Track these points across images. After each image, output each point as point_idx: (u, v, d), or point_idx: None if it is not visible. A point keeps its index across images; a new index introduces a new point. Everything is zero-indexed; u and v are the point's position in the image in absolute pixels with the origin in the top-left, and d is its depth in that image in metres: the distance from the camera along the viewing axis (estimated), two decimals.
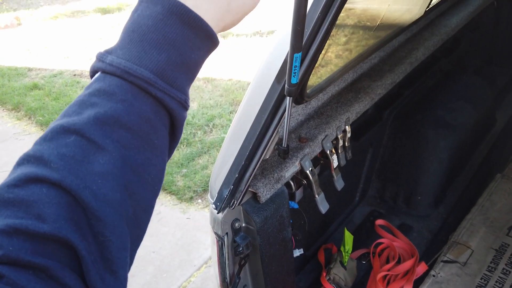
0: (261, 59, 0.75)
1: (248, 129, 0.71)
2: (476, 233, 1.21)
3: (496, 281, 1.07)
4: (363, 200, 1.42)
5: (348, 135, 1.05)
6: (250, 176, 0.74)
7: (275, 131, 0.71)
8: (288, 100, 0.66)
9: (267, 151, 0.73)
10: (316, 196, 0.96)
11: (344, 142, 1.05)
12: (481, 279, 1.08)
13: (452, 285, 1.08)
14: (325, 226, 1.28)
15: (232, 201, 0.76)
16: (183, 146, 2.69)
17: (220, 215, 0.78)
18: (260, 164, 0.77)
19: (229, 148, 0.74)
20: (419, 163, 1.35)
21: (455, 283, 1.09)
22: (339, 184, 1.05)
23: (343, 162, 1.06)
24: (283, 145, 0.75)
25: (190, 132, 2.80)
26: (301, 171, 0.93)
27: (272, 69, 0.70)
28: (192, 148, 2.66)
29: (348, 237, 1.14)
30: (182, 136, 3.05)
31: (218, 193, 0.75)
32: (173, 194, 2.38)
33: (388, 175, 1.41)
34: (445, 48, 1.53)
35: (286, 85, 0.63)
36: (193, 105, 3.16)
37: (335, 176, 1.03)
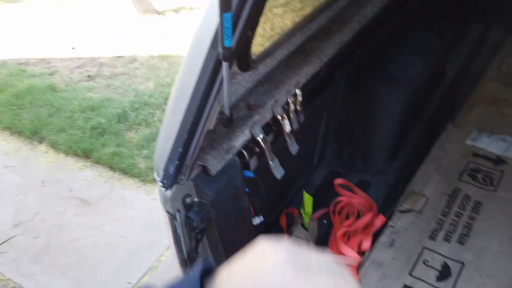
0: (196, 23, 0.71)
1: (187, 101, 0.68)
2: (430, 181, 1.25)
3: (450, 224, 1.12)
4: (322, 162, 1.44)
5: (299, 98, 1.03)
6: (195, 150, 0.71)
7: (216, 100, 0.68)
8: (224, 65, 0.63)
9: (210, 121, 0.70)
10: (270, 162, 0.95)
11: (295, 106, 1.03)
12: (436, 223, 1.13)
13: (409, 233, 1.12)
14: (285, 191, 1.28)
15: (180, 177, 0.74)
16: (142, 127, 2.61)
17: (169, 192, 0.75)
18: (206, 136, 0.75)
19: (170, 122, 0.71)
20: (373, 120, 1.36)
21: (412, 231, 1.13)
22: (294, 148, 1.05)
23: (296, 127, 1.05)
24: (226, 113, 0.72)
25: (149, 113, 2.72)
26: (253, 139, 0.92)
27: (206, 34, 0.66)
28: (151, 129, 2.59)
29: (307, 199, 1.15)
30: (140, 117, 2.94)
31: (163, 170, 0.72)
32: (135, 177, 2.32)
33: (344, 135, 1.42)
34: (394, 5, 1.53)
35: (219, 49, 0.60)
36: (149, 85, 3.06)
37: (288, 141, 1.02)
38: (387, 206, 1.24)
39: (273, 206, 1.25)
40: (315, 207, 1.28)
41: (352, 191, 1.31)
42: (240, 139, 0.85)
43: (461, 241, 1.08)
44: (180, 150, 0.70)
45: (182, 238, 0.85)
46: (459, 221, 1.13)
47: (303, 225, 1.15)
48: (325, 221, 1.24)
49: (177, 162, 0.71)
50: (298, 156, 1.15)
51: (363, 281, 1.03)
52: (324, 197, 1.32)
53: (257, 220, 1.09)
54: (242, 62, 0.77)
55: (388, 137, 1.36)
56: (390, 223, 1.16)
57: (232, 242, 0.94)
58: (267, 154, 0.93)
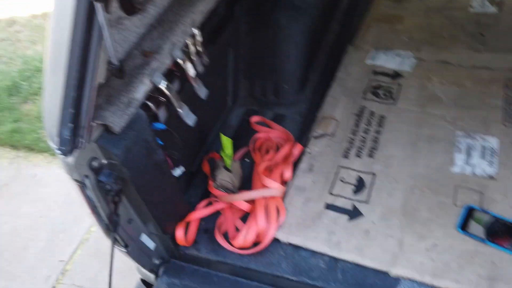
0: None
1: (66, 54, 0.60)
2: (338, 104, 1.31)
3: (360, 141, 1.20)
4: (236, 102, 1.43)
5: (199, 39, 0.98)
6: (88, 108, 0.65)
7: (99, 49, 0.61)
8: (98, 8, 0.56)
9: (98, 74, 0.64)
10: (179, 110, 0.91)
11: (196, 47, 0.98)
12: (348, 143, 1.20)
13: (325, 155, 1.18)
14: (204, 137, 1.26)
15: (78, 140, 0.67)
16: (39, 96, 2.36)
17: (71, 158, 0.69)
18: (99, 91, 0.68)
19: (52, 82, 0.63)
20: (279, 53, 1.36)
21: (327, 154, 1.19)
22: (202, 92, 1.01)
23: (200, 69, 1.01)
24: (114, 63, 0.66)
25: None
26: (156, 89, 0.86)
27: None
28: None
29: (226, 142, 1.15)
30: (35, 86, 2.66)
31: (58, 136, 0.65)
32: (43, 151, 2.14)
33: (254, 72, 1.41)
34: None
35: None
36: (37, 48, 2.73)
37: (195, 86, 0.99)
38: (302, 134, 1.29)
39: (193, 155, 1.23)
40: (236, 148, 1.28)
41: (269, 126, 1.33)
42: (140, 90, 0.80)
43: (371, 155, 1.16)
44: (71, 111, 0.63)
45: (98, 204, 0.80)
46: (367, 137, 1.21)
47: (226, 168, 1.15)
48: (247, 160, 1.25)
49: (70, 125, 0.64)
50: (210, 99, 1.13)
51: (289, 207, 1.08)
52: (243, 136, 1.33)
53: (178, 172, 1.07)
54: (125, 3, 0.70)
55: (295, 67, 1.38)
56: (307, 150, 1.21)
57: (154, 198, 0.92)
58: (174, 102, 0.89)
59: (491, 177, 1.05)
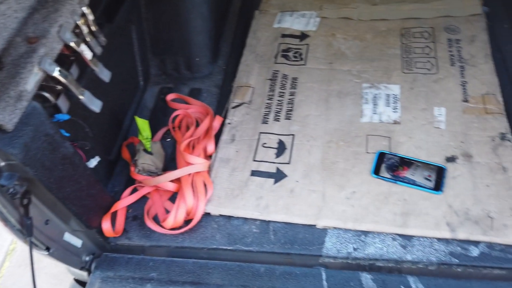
0: None
1: None
2: (252, 71, 1.32)
3: (276, 105, 1.22)
4: (149, 82, 1.37)
5: (90, 17, 0.91)
6: None
7: None
8: None
9: None
10: (80, 97, 0.85)
11: (89, 27, 0.91)
12: (265, 108, 1.22)
13: (245, 124, 1.19)
14: (119, 123, 1.20)
15: None
16: None
17: None
18: None
19: None
20: (185, 25, 1.32)
21: (247, 121, 1.20)
22: (105, 75, 0.95)
23: (98, 50, 0.95)
24: None
25: None
26: (51, 77, 0.79)
27: None
28: None
29: (142, 124, 1.11)
30: None
31: None
32: None
33: (163, 48, 1.36)
34: None
35: None
36: None
37: (96, 69, 0.92)
38: (221, 106, 1.28)
39: (110, 142, 1.17)
40: (155, 129, 1.25)
41: (186, 102, 1.30)
42: (30, 81, 0.73)
43: (288, 117, 1.19)
44: None
45: (4, 210, 0.74)
46: (283, 100, 1.23)
47: (146, 151, 1.11)
48: (168, 140, 1.22)
49: None
50: (118, 81, 1.07)
51: (216, 180, 1.09)
52: (161, 116, 1.29)
53: (93, 162, 1.02)
54: None
55: (204, 39, 1.35)
56: (227, 121, 1.21)
57: (70, 194, 0.86)
58: (73, 89, 0.83)
59: (396, 122, 1.13)
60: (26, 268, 1.92)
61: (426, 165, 1.03)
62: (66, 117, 0.88)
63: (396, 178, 1.01)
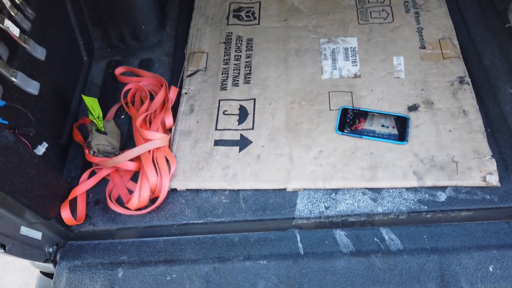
0: None
1: None
2: (204, 35, 1.24)
3: (233, 70, 1.17)
4: (93, 56, 1.27)
5: None
6: None
7: None
8: None
9: None
10: (13, 80, 0.76)
11: (12, 1, 0.81)
12: (222, 74, 1.16)
13: (203, 92, 1.14)
14: (65, 104, 1.11)
15: None
16: None
17: None
18: None
19: None
20: None
21: (205, 89, 1.14)
22: (39, 52, 0.86)
23: (28, 25, 0.85)
24: None
25: None
26: None
27: None
28: None
29: (91, 102, 1.02)
30: None
31: None
32: None
33: (103, 17, 1.24)
34: None
35: None
36: None
37: (27, 47, 0.83)
38: (175, 75, 1.21)
39: (59, 126, 1.08)
40: (107, 107, 1.17)
41: (138, 75, 1.22)
42: None
43: (247, 81, 1.14)
44: None
45: None
46: (240, 64, 1.18)
47: (99, 131, 1.04)
48: (122, 117, 1.15)
49: None
50: (57, 59, 0.97)
51: (179, 154, 1.04)
52: (112, 92, 1.20)
53: (41, 149, 0.94)
54: None
55: (149, 3, 1.24)
56: (183, 90, 1.15)
57: (20, 185, 0.79)
58: (3, 72, 0.74)
59: (356, 76, 1.11)
60: None
61: (390, 117, 1.02)
62: (1, 103, 0.79)
63: (361, 133, 1.00)
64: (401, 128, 0.99)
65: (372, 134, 1.00)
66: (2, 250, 0.83)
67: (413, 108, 1.04)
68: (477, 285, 0.85)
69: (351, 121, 1.02)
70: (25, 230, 0.89)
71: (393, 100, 1.05)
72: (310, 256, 0.93)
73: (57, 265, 0.98)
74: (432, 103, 1.03)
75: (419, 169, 0.93)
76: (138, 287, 0.93)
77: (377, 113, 1.03)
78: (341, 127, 1.02)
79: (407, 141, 0.98)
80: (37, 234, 0.94)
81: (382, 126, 1.01)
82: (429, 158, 0.95)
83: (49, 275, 1.09)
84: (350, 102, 1.06)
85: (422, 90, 1.06)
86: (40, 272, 1.11)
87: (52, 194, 0.93)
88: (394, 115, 1.02)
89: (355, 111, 1.04)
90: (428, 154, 0.95)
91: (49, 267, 1.04)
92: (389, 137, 0.99)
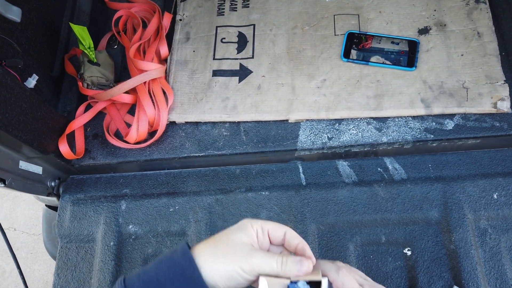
0: None
1: None
2: None
3: None
4: None
5: None
6: None
7: None
8: None
9: None
10: None
11: None
12: None
13: (199, 18, 1.06)
14: (54, 34, 1.05)
15: None
16: None
17: None
18: None
19: None
20: None
21: (200, 15, 1.07)
22: None
23: None
24: None
25: None
26: None
27: None
28: None
29: (81, 31, 0.96)
30: None
31: None
32: None
33: None
34: None
35: None
36: None
37: None
38: (168, 0, 1.13)
39: (49, 57, 1.03)
40: (99, 36, 1.10)
41: (129, 1, 1.13)
42: None
43: (246, 5, 1.06)
44: None
45: None
46: None
47: (91, 62, 0.99)
48: (115, 46, 1.09)
49: None
50: None
51: (176, 85, 1.00)
52: (102, 21, 1.13)
53: (32, 82, 0.90)
54: None
55: None
56: (178, 17, 1.08)
57: (13, 119, 0.76)
58: None
59: None
60: (7, 197, 1.87)
61: (399, 41, 0.96)
62: None
63: (367, 59, 0.95)
64: (410, 53, 0.93)
65: (379, 61, 0.94)
66: (2, 185, 0.82)
67: (424, 31, 0.97)
68: (480, 212, 0.85)
69: (357, 46, 0.96)
70: (24, 165, 0.89)
71: (403, 22, 0.98)
72: (312, 187, 0.92)
73: (60, 199, 0.99)
74: (445, 25, 0.96)
75: (427, 97, 0.89)
76: (142, 218, 0.94)
77: (385, 37, 0.97)
78: (347, 54, 0.96)
79: (416, 67, 0.92)
80: (37, 169, 0.93)
81: (390, 51, 0.95)
82: (438, 84, 0.90)
83: (54, 208, 1.11)
84: (356, 26, 0.99)
85: (435, 11, 0.98)
86: (46, 205, 1.13)
87: (48, 128, 0.90)
88: (403, 39, 0.96)
89: (361, 35, 0.97)
90: (438, 81, 0.90)
91: (53, 200, 1.05)
92: (397, 63, 0.93)
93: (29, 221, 1.90)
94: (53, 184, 0.99)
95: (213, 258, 0.50)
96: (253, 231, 0.53)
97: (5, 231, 0.85)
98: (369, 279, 0.59)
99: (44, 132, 0.88)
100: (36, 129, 0.85)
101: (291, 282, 0.51)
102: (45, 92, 0.99)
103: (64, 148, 0.94)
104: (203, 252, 0.51)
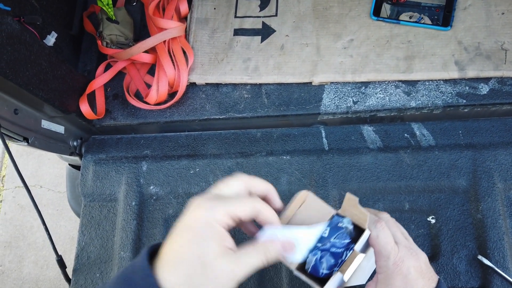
0: None
1: None
2: None
3: None
4: None
5: None
6: None
7: None
8: None
9: None
10: None
11: None
12: None
13: None
14: None
15: None
16: None
17: None
18: None
19: None
20: None
21: None
22: None
23: None
24: None
25: None
26: None
27: None
28: None
29: None
30: None
31: None
32: None
33: None
34: None
35: None
36: None
37: None
38: None
39: (67, 14, 1.01)
40: None
41: None
42: None
43: None
44: None
45: None
46: None
47: (110, 19, 0.96)
48: (134, 4, 1.06)
49: None
50: None
51: (196, 45, 0.97)
52: None
53: (51, 40, 0.88)
54: None
55: None
56: None
57: (33, 77, 0.76)
58: None
59: None
60: (33, 155, 1.92)
61: None
62: None
63: (399, 16, 0.89)
64: (446, 11, 0.87)
65: (412, 19, 0.88)
66: (26, 143, 0.83)
67: None
68: (511, 181, 0.81)
69: (388, 3, 0.90)
70: (46, 124, 0.89)
71: None
72: (335, 152, 0.90)
73: (82, 158, 1.00)
74: None
75: (461, 59, 0.84)
76: (162, 179, 0.94)
77: None
78: (377, 12, 0.90)
79: (451, 26, 0.86)
80: (59, 128, 0.94)
81: (424, 8, 0.88)
82: (474, 45, 0.84)
83: (77, 167, 1.13)
84: None
85: None
86: (69, 164, 1.15)
87: (68, 88, 0.90)
88: None
89: None
90: (474, 41, 0.84)
91: (76, 159, 1.06)
92: (431, 21, 0.87)
93: (54, 179, 1.96)
94: (75, 143, 1.00)
95: None
96: (221, 228, 0.42)
97: (32, 188, 0.87)
98: (410, 238, 0.52)
99: (64, 92, 0.88)
100: (57, 88, 0.84)
101: (337, 214, 0.50)
102: (65, 51, 0.98)
103: (85, 107, 0.93)
104: (174, 283, 0.39)
